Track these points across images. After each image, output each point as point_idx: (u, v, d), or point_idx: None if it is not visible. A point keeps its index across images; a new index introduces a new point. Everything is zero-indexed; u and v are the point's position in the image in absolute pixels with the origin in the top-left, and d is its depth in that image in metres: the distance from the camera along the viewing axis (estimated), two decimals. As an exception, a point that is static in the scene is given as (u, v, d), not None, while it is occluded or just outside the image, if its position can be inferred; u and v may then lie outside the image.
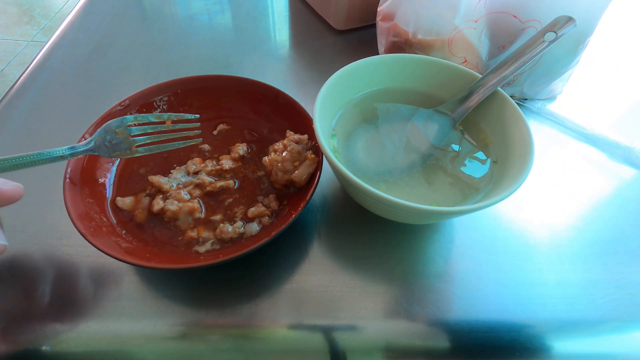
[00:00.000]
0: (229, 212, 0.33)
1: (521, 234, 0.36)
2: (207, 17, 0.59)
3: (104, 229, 0.29)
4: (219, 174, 0.35)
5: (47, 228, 0.33)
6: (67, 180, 0.29)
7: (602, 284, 0.33)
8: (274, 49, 0.54)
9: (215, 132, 0.38)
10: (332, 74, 0.35)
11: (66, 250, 0.32)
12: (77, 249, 0.32)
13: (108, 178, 0.33)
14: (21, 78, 0.48)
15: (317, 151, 0.34)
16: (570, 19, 0.32)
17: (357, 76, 0.37)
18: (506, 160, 0.32)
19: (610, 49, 0.56)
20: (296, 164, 0.32)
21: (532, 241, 0.35)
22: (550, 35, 0.32)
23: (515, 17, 0.37)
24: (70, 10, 0.59)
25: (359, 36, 0.55)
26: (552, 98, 0.48)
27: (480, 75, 0.35)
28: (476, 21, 0.38)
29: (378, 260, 0.33)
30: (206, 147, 0.37)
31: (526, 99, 0.48)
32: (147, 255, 0.28)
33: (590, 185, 0.40)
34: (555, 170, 0.41)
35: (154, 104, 0.37)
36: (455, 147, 0.35)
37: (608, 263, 0.34)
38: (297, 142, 0.33)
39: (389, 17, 0.45)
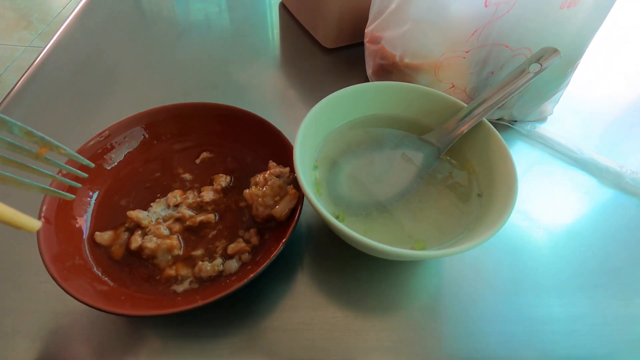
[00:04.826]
0: (210, 246, 0.32)
1: (508, 266, 0.35)
2: (197, 34, 0.59)
3: (79, 270, 0.28)
4: (200, 206, 0.34)
5: (22, 264, 0.33)
6: (42, 219, 0.29)
7: (589, 318, 0.32)
8: (262, 67, 0.54)
9: (198, 161, 0.38)
10: (321, 93, 0.34)
11: (43, 287, 0.32)
12: (55, 287, 0.32)
13: (87, 212, 0.32)
14: (18, 84, 0.48)
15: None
16: (555, 51, 0.31)
17: (342, 104, 0.36)
18: (490, 195, 0.32)
19: (601, 70, 0.56)
20: (277, 198, 0.32)
21: (518, 273, 0.35)
22: (535, 67, 0.32)
23: (507, 47, 0.37)
24: (68, 15, 0.59)
25: (348, 54, 0.55)
26: (542, 119, 0.48)
27: (467, 105, 0.35)
28: (467, 52, 0.38)
29: (362, 295, 0.33)
30: (188, 176, 0.37)
31: (516, 121, 0.47)
32: (122, 297, 0.28)
33: (578, 211, 0.39)
34: (544, 195, 0.40)
35: (134, 133, 0.37)
36: (440, 178, 0.35)
37: (595, 296, 0.33)
38: (278, 176, 0.32)
39: (376, 40, 0.44)
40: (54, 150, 0.25)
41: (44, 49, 0.53)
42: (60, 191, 0.27)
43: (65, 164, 0.28)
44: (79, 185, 0.29)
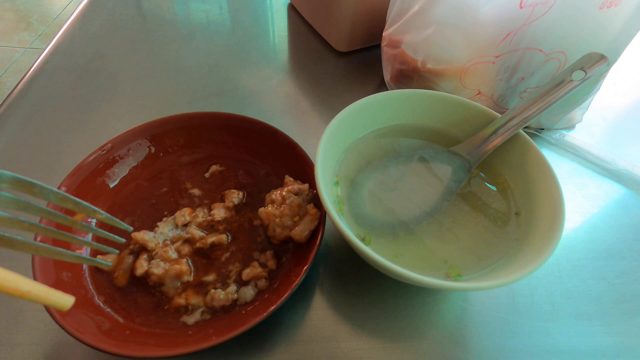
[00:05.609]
0: (222, 270, 0.29)
1: (543, 289, 0.32)
2: (202, 38, 0.56)
3: (78, 301, 0.25)
4: (211, 225, 0.31)
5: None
6: (37, 241, 0.26)
7: (639, 349, 0.29)
8: (271, 72, 0.51)
9: (207, 175, 0.35)
10: (335, 100, 0.31)
11: (41, 317, 0.29)
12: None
13: (87, 234, 0.30)
14: (16, 89, 0.46)
15: (320, 202, 0.30)
16: (602, 57, 0.29)
17: (365, 114, 0.33)
18: (530, 214, 0.29)
19: (630, 74, 0.53)
20: (296, 219, 0.29)
21: (557, 298, 0.32)
22: (579, 75, 0.29)
23: (540, 51, 0.34)
24: (68, 16, 0.57)
25: (362, 58, 0.52)
26: (570, 127, 0.45)
27: (500, 115, 0.32)
28: (497, 57, 0.35)
29: (386, 322, 0.30)
30: (197, 192, 0.34)
31: (543, 129, 0.44)
32: (126, 332, 0.25)
33: (617, 229, 0.36)
34: (578, 211, 0.38)
35: (138, 146, 0.34)
36: (472, 194, 0.32)
37: (643, 324, 0.31)
38: (296, 194, 0.30)
39: (395, 44, 0.41)
40: (90, 215, 0.23)
41: (42, 53, 0.51)
42: (96, 259, 0.26)
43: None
44: (116, 251, 0.27)
